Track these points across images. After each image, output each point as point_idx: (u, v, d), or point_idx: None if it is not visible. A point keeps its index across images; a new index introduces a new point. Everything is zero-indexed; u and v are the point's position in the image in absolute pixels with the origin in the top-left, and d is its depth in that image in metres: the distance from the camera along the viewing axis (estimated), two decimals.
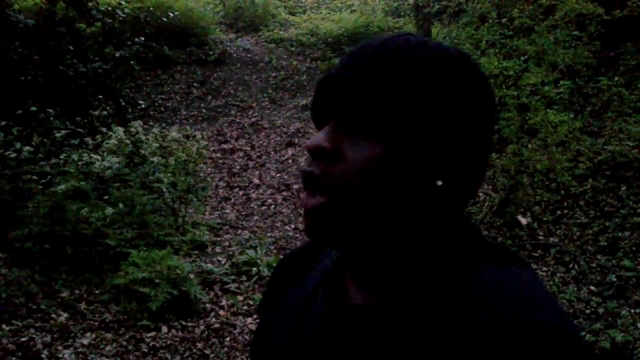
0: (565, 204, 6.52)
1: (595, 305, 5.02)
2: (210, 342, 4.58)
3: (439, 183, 0.77)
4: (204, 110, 10.65)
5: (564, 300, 5.05)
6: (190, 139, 7.55)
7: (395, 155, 0.75)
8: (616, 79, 7.83)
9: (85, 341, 4.32)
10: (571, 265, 5.66)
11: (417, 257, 0.80)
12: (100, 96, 8.06)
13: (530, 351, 0.65)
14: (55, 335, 4.33)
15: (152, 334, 4.54)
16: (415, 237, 0.80)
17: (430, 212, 0.79)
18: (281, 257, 1.12)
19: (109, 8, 9.05)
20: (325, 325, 0.85)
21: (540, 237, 6.15)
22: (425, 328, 0.74)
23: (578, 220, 6.23)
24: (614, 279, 5.31)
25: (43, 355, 4.10)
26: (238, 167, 8.74)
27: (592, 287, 5.31)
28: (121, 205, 5.66)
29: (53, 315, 4.52)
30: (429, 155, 0.76)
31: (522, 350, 0.65)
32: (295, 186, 8.18)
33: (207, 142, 8.56)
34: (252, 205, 7.57)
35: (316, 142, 0.79)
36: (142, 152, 6.55)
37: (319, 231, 0.80)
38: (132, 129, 6.79)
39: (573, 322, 0.72)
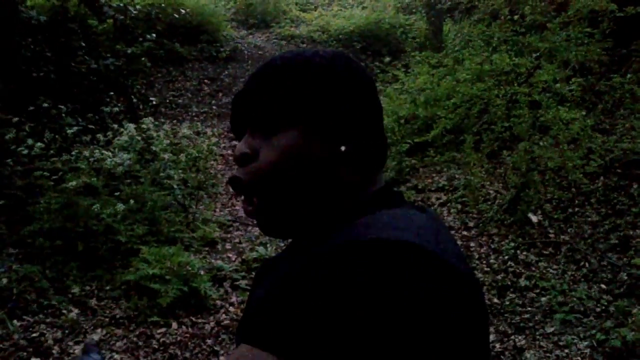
0: (576, 201, 6.48)
1: (606, 303, 4.99)
2: (220, 339, 4.59)
3: (343, 148, 0.88)
4: (214, 107, 10.66)
5: (575, 299, 5.04)
6: (201, 135, 7.58)
7: (303, 136, 0.87)
8: (629, 76, 7.77)
9: (95, 337, 4.34)
10: (582, 264, 5.63)
11: (328, 211, 0.90)
12: (112, 93, 8.08)
13: (345, 263, 0.68)
14: (66, 331, 4.35)
15: (162, 330, 4.56)
16: (331, 198, 0.90)
17: (342, 175, 0.89)
18: None
19: (121, 5, 9.06)
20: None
21: (551, 235, 6.12)
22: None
23: (589, 218, 6.20)
24: (625, 278, 5.28)
25: (54, 351, 4.13)
26: None
27: (603, 286, 5.29)
28: (132, 202, 5.68)
29: (64, 311, 4.55)
30: (329, 130, 0.89)
31: (338, 263, 0.69)
32: None
33: (217, 139, 8.58)
34: None
35: (238, 151, 0.92)
36: (153, 148, 6.58)
37: (267, 227, 0.93)
38: (144, 126, 6.81)
39: (430, 243, 0.73)
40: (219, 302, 5.08)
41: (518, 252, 5.90)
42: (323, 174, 0.89)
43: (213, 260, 5.71)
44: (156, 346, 4.38)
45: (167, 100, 10.43)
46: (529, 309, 5.05)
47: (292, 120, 0.88)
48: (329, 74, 0.92)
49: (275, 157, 0.88)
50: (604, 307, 4.95)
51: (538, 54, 7.26)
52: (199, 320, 4.78)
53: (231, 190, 7.71)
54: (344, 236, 0.75)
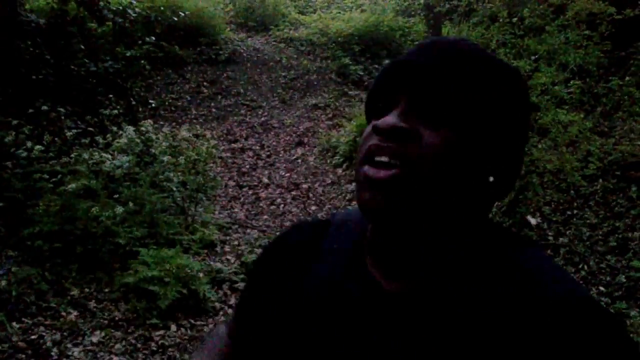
0: (575, 204, 6.49)
1: (604, 305, 5.00)
2: None
3: (491, 179, 0.84)
4: (214, 110, 10.67)
5: None
6: (200, 138, 7.58)
7: (462, 144, 0.80)
8: (627, 78, 7.78)
9: (94, 339, 4.34)
10: (581, 266, 5.64)
11: (456, 242, 0.85)
12: (111, 95, 8.08)
13: (582, 323, 0.74)
14: (65, 333, 4.35)
15: (161, 332, 4.56)
16: (460, 223, 0.85)
17: (478, 202, 0.86)
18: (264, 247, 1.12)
19: (120, 8, 9.07)
20: (362, 313, 0.87)
21: (550, 238, 6.13)
22: (473, 309, 0.79)
23: (588, 221, 6.21)
24: (624, 280, 5.29)
25: (53, 353, 4.12)
26: (247, 166, 8.76)
27: (602, 288, 5.29)
28: (131, 204, 5.68)
29: (63, 313, 4.55)
30: (488, 151, 0.83)
31: (577, 322, 0.74)
32: (304, 185, 8.19)
33: (216, 142, 8.58)
34: (261, 204, 7.58)
35: (392, 123, 0.81)
36: (153, 151, 6.58)
37: (383, 203, 0.80)
38: (143, 128, 6.81)
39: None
40: (217, 305, 5.08)
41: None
42: (466, 190, 0.82)
43: (212, 263, 5.71)
44: (155, 348, 4.38)
45: (166, 103, 10.44)
46: None
47: (469, 123, 0.81)
48: (519, 91, 0.88)
49: (437, 147, 0.79)
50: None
51: (537, 56, 7.26)
52: (198, 323, 4.79)
53: (231, 192, 7.71)
54: (546, 281, 0.79)
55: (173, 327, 4.64)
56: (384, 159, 0.80)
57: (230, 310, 5.02)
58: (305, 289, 0.94)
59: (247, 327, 1.02)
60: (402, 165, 0.79)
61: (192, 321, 4.78)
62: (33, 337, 4.23)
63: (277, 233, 6.00)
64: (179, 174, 6.40)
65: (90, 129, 7.02)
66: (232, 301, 5.18)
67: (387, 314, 0.84)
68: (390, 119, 0.81)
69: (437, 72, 0.81)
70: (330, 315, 0.89)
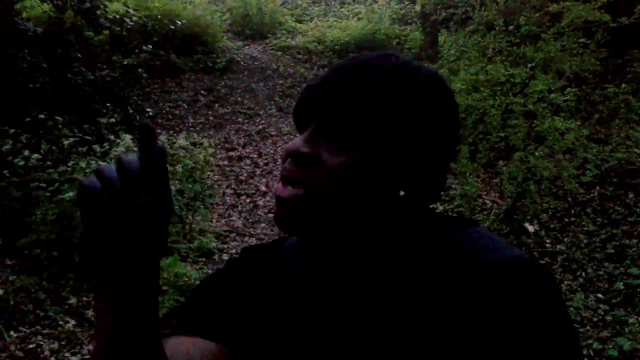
0: (572, 211, 6.50)
1: (602, 313, 5.00)
2: None
3: (402, 193, 0.87)
4: (211, 118, 10.67)
5: (572, 308, 5.04)
6: (198, 146, 7.59)
7: (365, 163, 0.84)
8: (623, 86, 7.81)
9: (92, 348, 4.32)
10: (578, 273, 5.64)
11: (379, 243, 0.89)
12: (108, 104, 8.08)
13: (517, 278, 0.79)
14: (63, 342, 4.34)
15: None
16: (379, 229, 0.89)
17: (392, 212, 0.88)
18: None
19: (117, 16, 9.09)
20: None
21: (548, 245, 6.14)
22: (415, 296, 0.83)
23: (585, 228, 6.22)
24: (622, 287, 5.29)
25: None
26: (245, 174, 8.76)
27: (600, 295, 5.30)
28: None
29: (61, 322, 4.53)
30: (396, 166, 0.85)
31: (511, 279, 0.79)
32: None
33: (214, 150, 8.58)
34: (259, 212, 7.58)
35: (296, 147, 0.87)
36: None
37: (289, 220, 0.88)
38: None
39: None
40: None
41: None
42: (376, 203, 0.86)
43: (210, 271, 5.69)
44: None
45: (164, 111, 10.44)
46: None
47: (369, 143, 0.84)
48: (433, 100, 0.88)
49: (338, 168, 0.84)
50: (600, 317, 4.96)
51: (533, 64, 7.30)
52: None
53: (228, 200, 7.71)
54: (485, 252, 0.83)
55: None
56: (290, 179, 0.87)
57: None
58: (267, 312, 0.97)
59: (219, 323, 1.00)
60: (304, 187, 0.85)
61: None
62: (31, 346, 4.22)
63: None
64: (177, 182, 6.40)
65: (88, 137, 7.01)
66: None
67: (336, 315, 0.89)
68: (296, 142, 0.87)
69: (337, 95, 0.85)
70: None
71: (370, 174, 0.84)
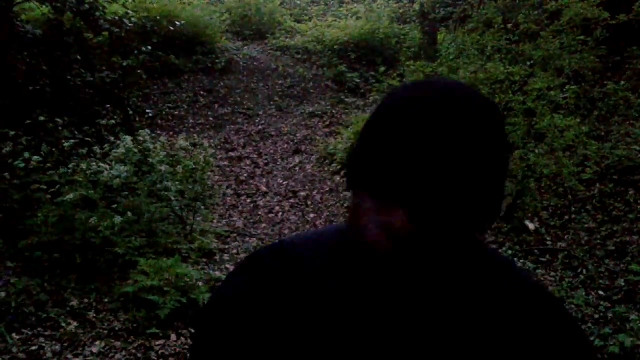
0: (572, 208, 6.51)
1: (603, 309, 5.01)
2: None
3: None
4: (211, 119, 10.68)
5: (573, 305, 5.05)
6: (198, 147, 7.58)
7: (416, 222, 0.79)
8: (623, 83, 7.82)
9: (94, 349, 4.34)
10: (579, 270, 5.65)
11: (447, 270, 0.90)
12: (108, 105, 8.09)
13: (541, 303, 0.96)
14: (65, 344, 4.35)
15: (161, 341, 4.56)
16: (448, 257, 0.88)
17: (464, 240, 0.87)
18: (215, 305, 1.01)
19: (116, 18, 9.08)
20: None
21: (548, 242, 6.14)
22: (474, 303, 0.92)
23: (586, 225, 6.22)
24: (623, 284, 5.30)
25: None
26: (245, 174, 8.76)
27: (601, 292, 5.30)
28: (129, 214, 5.67)
29: (63, 324, 4.54)
30: (452, 214, 0.80)
31: (537, 302, 0.95)
32: (302, 193, 8.19)
33: (214, 150, 8.59)
34: (259, 212, 7.58)
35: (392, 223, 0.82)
36: (150, 160, 6.58)
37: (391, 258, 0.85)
38: (140, 138, 6.82)
39: None
40: None
41: (515, 259, 5.91)
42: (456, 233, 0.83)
43: (211, 272, 5.70)
44: (155, 358, 4.38)
45: (164, 112, 10.45)
46: None
47: (417, 198, 0.79)
48: (486, 141, 0.81)
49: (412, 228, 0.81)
50: (602, 314, 4.96)
51: (532, 62, 7.30)
52: None
53: (229, 201, 7.72)
54: (516, 275, 0.99)
55: (173, 337, 4.64)
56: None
57: None
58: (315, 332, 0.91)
59: None
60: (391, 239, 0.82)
61: (192, 330, 4.77)
62: (33, 348, 4.23)
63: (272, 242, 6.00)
64: (177, 183, 6.41)
65: (88, 139, 7.02)
66: None
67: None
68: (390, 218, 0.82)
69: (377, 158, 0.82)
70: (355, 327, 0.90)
71: (422, 232, 0.80)
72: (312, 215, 7.58)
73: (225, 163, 9.06)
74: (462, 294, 0.92)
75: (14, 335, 4.31)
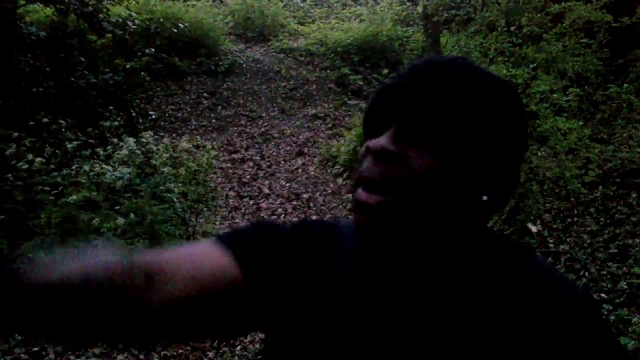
0: (575, 211, 6.50)
1: (606, 312, 5.00)
2: (221, 351, 4.59)
3: (485, 198, 0.85)
4: (214, 121, 10.69)
5: None
6: (201, 149, 7.60)
7: (451, 166, 0.82)
8: (626, 86, 7.80)
9: (96, 350, 4.34)
10: (582, 273, 5.64)
11: (460, 255, 0.89)
12: (111, 107, 8.11)
13: (583, 316, 0.87)
14: (67, 345, 4.35)
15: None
16: (456, 238, 0.88)
17: (472, 218, 0.88)
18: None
19: (120, 20, 9.11)
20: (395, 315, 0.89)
21: (551, 245, 6.14)
22: (492, 314, 0.87)
23: (588, 228, 6.21)
24: (625, 286, 5.28)
25: None
26: (248, 176, 8.77)
27: (603, 295, 5.29)
28: (132, 216, 5.69)
29: None
30: (480, 170, 0.84)
31: (580, 316, 0.87)
32: (305, 195, 8.20)
33: (217, 152, 8.60)
34: (262, 214, 7.59)
35: (382, 145, 0.82)
36: (153, 162, 6.59)
37: (374, 228, 0.83)
38: (143, 140, 6.84)
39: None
40: None
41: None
42: (457, 209, 0.84)
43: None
44: (157, 359, 4.38)
45: (167, 114, 10.46)
46: None
47: (458, 144, 0.82)
48: (512, 104, 0.88)
49: (425, 170, 0.81)
50: (604, 316, 4.95)
51: (535, 64, 7.29)
52: None
53: (231, 203, 7.72)
54: (557, 286, 0.90)
55: None
56: (374, 179, 0.83)
57: None
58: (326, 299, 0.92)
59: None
60: (391, 191, 0.82)
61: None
62: (35, 349, 4.23)
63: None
64: (180, 184, 6.42)
65: (91, 140, 7.04)
66: None
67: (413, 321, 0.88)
68: (381, 140, 0.83)
69: (423, 95, 0.82)
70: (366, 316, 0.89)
71: (456, 176, 0.82)
72: (314, 217, 7.57)
73: (228, 165, 9.06)
74: (463, 286, 0.88)
75: (16, 335, 4.32)
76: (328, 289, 0.92)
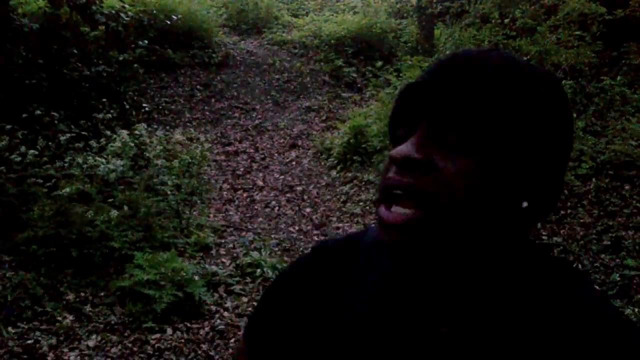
0: (568, 203, 6.51)
1: None
2: (215, 344, 4.60)
3: (525, 205, 0.76)
4: (207, 113, 10.67)
5: None
6: (194, 141, 7.59)
7: (485, 173, 0.73)
8: (619, 78, 7.82)
9: (90, 343, 4.34)
10: (575, 265, 5.66)
11: (500, 274, 0.80)
12: (105, 99, 8.08)
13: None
14: (61, 338, 4.35)
15: (157, 335, 4.56)
16: (497, 253, 0.79)
17: (512, 230, 0.78)
18: (285, 266, 1.06)
19: (113, 11, 9.05)
20: (411, 353, 0.82)
21: (544, 237, 6.15)
22: (535, 349, 0.77)
23: (581, 220, 6.23)
24: (618, 278, 5.31)
25: (49, 358, 4.12)
26: (242, 169, 8.76)
27: (596, 287, 5.31)
28: (126, 208, 5.68)
29: (58, 318, 4.54)
30: (518, 176, 0.75)
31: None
32: (298, 188, 8.20)
33: (210, 145, 8.60)
34: (256, 207, 7.59)
35: (406, 153, 0.74)
36: (147, 154, 6.59)
37: (412, 246, 0.75)
38: (137, 132, 6.82)
39: None
40: (213, 308, 5.08)
41: None
42: (496, 218, 0.75)
43: (207, 266, 5.71)
44: (151, 352, 4.38)
45: (160, 107, 10.43)
46: None
47: (493, 148, 0.73)
48: (555, 106, 0.78)
49: (456, 178, 0.72)
50: None
51: (528, 57, 7.30)
52: (194, 326, 4.79)
53: (225, 195, 7.71)
54: (605, 314, 0.81)
55: (169, 331, 4.64)
56: (398, 192, 0.74)
57: (225, 313, 5.03)
58: (343, 322, 0.88)
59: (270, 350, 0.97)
60: (418, 205, 0.73)
61: (188, 324, 4.78)
62: (29, 341, 4.23)
63: (273, 236, 5.94)
64: (173, 177, 6.41)
65: (84, 133, 7.02)
66: (228, 304, 5.18)
67: (439, 356, 0.81)
68: (404, 148, 0.74)
69: (454, 92, 0.73)
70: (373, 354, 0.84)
71: (493, 185, 0.73)
72: (308, 210, 7.58)
73: (222, 157, 9.05)
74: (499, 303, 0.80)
75: (9, 328, 4.32)
76: (339, 330, 0.88)
